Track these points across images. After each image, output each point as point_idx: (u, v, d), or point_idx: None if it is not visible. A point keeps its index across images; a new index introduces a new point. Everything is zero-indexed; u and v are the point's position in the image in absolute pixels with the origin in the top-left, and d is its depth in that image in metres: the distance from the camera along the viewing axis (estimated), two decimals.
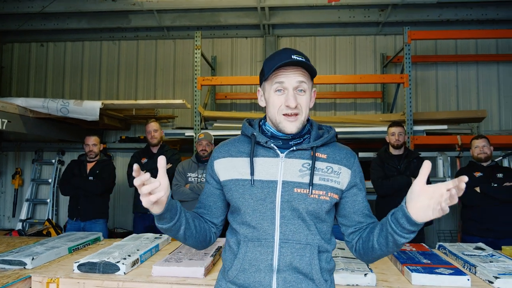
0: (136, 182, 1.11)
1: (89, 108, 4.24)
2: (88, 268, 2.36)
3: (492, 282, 2.15)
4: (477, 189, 3.52)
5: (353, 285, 2.16)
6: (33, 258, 2.48)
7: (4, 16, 5.97)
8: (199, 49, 4.91)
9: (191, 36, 6.19)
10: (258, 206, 1.31)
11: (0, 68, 6.43)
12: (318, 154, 1.35)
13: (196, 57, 4.92)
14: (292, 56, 1.29)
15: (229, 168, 1.37)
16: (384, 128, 4.47)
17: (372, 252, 1.30)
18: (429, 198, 1.09)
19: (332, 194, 1.32)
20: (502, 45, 6.04)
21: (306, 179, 1.30)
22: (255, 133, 1.37)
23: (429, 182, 3.82)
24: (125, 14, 5.99)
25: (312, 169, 1.31)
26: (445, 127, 5.03)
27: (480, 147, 3.66)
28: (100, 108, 4.27)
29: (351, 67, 6.22)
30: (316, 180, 1.31)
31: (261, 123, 1.44)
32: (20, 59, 6.64)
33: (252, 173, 1.32)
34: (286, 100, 1.30)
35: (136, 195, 4.20)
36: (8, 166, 6.44)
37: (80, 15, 5.99)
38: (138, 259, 2.50)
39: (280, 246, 1.29)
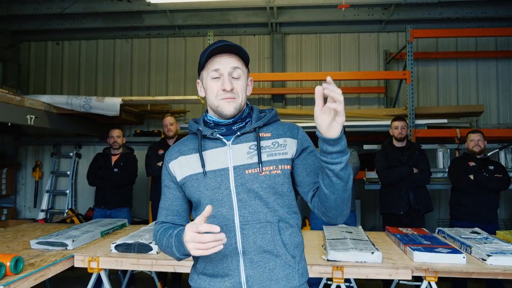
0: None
1: (110, 104, 4.51)
2: (124, 248, 2.65)
3: (485, 260, 2.42)
4: (471, 177, 3.78)
5: (361, 262, 2.43)
6: (73, 240, 2.76)
7: (23, 17, 6.21)
8: None
9: (201, 34, 6.43)
10: (215, 195, 1.33)
11: (18, 66, 6.68)
12: (262, 134, 1.38)
13: None
14: (225, 43, 1.35)
15: (183, 166, 1.40)
16: (387, 122, 4.71)
17: (326, 201, 1.27)
18: (327, 112, 1.12)
19: (282, 166, 1.35)
20: (501, 42, 6.26)
21: (255, 159, 1.33)
22: (200, 128, 1.40)
23: (429, 173, 4.05)
24: (139, 14, 6.22)
25: (258, 147, 1.34)
26: (445, 121, 5.24)
27: (475, 141, 3.89)
28: (120, 104, 4.55)
29: (355, 63, 6.45)
30: (264, 157, 1.34)
31: (203, 116, 1.48)
32: (36, 57, 6.88)
33: (203, 165, 1.35)
34: (222, 84, 1.34)
35: (153, 184, 4.46)
36: (28, 159, 6.72)
37: (96, 15, 6.22)
38: None
39: (242, 228, 1.31)
